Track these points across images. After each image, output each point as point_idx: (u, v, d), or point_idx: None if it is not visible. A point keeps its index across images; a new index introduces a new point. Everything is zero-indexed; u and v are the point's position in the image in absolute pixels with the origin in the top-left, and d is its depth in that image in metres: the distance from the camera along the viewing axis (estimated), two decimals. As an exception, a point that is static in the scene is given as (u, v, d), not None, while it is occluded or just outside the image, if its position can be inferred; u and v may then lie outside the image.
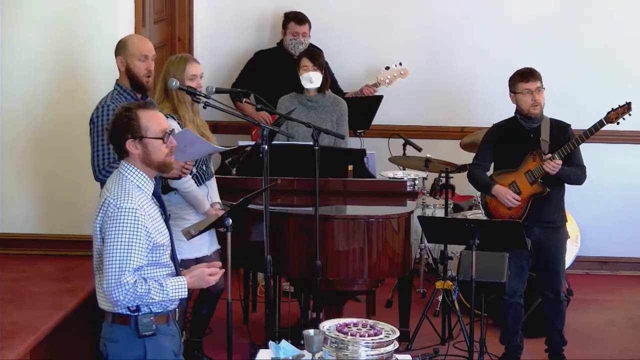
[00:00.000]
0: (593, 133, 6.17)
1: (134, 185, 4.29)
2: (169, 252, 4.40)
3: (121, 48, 5.64)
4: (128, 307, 4.28)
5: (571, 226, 7.75)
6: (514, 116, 6.32)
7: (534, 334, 6.59)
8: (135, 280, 4.21)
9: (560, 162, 6.11)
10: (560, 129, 6.26)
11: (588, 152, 6.47)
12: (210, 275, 4.42)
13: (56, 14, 6.54)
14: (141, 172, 4.32)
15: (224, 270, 4.53)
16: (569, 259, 7.77)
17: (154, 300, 4.27)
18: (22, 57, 6.56)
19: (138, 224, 4.21)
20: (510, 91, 6.28)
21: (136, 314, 4.29)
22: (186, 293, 4.35)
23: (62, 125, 6.57)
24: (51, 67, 6.57)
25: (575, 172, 6.23)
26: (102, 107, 5.51)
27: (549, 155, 6.13)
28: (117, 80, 5.64)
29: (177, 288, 4.32)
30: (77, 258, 6.47)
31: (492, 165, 6.41)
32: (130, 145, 4.30)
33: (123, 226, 4.20)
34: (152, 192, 4.37)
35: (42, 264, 6.43)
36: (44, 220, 6.66)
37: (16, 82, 6.57)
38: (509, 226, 5.88)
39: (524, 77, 6.21)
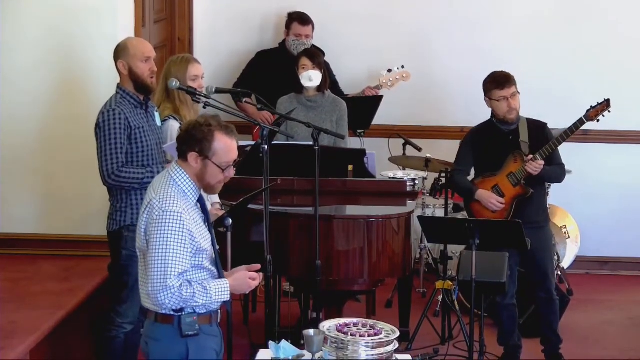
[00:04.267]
0: (574, 132, 6.16)
1: (180, 190, 4.32)
2: (211, 256, 4.42)
3: (121, 51, 5.57)
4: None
5: (571, 226, 7.76)
6: (491, 120, 6.31)
7: (534, 334, 6.58)
8: (181, 284, 4.23)
9: (543, 162, 6.13)
10: (538, 128, 6.26)
11: (588, 152, 6.48)
12: (251, 279, 4.43)
13: (56, 14, 6.54)
14: (190, 180, 4.35)
15: (262, 274, 4.53)
16: (569, 259, 7.77)
17: (197, 304, 4.29)
18: (22, 58, 6.56)
19: (183, 228, 4.23)
20: (485, 96, 6.26)
21: (180, 314, 4.31)
22: (229, 296, 4.38)
23: (62, 125, 6.58)
24: (51, 67, 6.57)
25: (555, 170, 6.26)
26: (108, 111, 5.46)
27: (531, 156, 6.13)
28: (119, 84, 5.58)
29: (221, 291, 4.33)
30: (77, 258, 6.47)
31: (473, 169, 6.40)
32: (192, 157, 4.34)
33: (168, 230, 4.21)
34: (197, 199, 4.40)
35: (42, 264, 6.43)
36: (44, 220, 6.67)
37: (16, 82, 6.57)
38: (509, 226, 5.88)
39: (499, 84, 6.18)
